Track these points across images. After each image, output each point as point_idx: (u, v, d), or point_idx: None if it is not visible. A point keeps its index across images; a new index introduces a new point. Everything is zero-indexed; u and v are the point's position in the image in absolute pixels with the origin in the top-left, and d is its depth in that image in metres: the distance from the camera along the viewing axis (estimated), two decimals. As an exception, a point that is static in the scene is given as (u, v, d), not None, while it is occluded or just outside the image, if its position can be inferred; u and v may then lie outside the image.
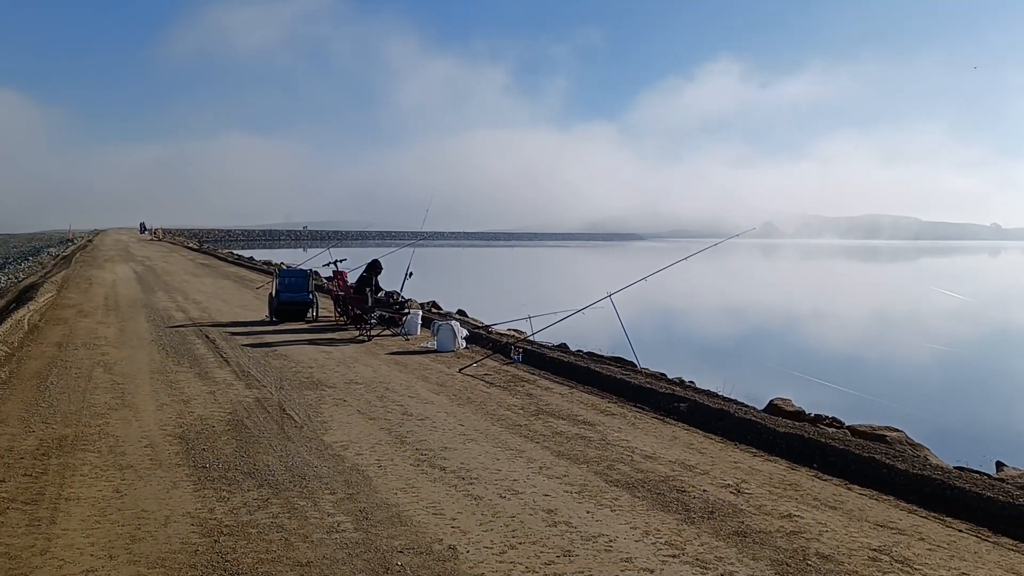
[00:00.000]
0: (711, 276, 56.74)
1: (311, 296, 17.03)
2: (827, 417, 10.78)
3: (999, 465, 8.90)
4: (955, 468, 8.33)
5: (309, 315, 16.97)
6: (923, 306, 38.80)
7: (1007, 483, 7.28)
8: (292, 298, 16.77)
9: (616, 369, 11.61)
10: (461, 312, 22.10)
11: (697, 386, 12.78)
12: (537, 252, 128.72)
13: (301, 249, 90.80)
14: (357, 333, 14.69)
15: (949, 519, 5.70)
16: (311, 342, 13.76)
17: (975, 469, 9.04)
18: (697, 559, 4.84)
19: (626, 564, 4.75)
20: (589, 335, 17.41)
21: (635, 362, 13.12)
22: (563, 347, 14.92)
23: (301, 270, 18.44)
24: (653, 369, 14.10)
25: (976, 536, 5.39)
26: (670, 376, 13.55)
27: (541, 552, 4.88)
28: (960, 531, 5.47)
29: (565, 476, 6.44)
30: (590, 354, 14.33)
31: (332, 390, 9.68)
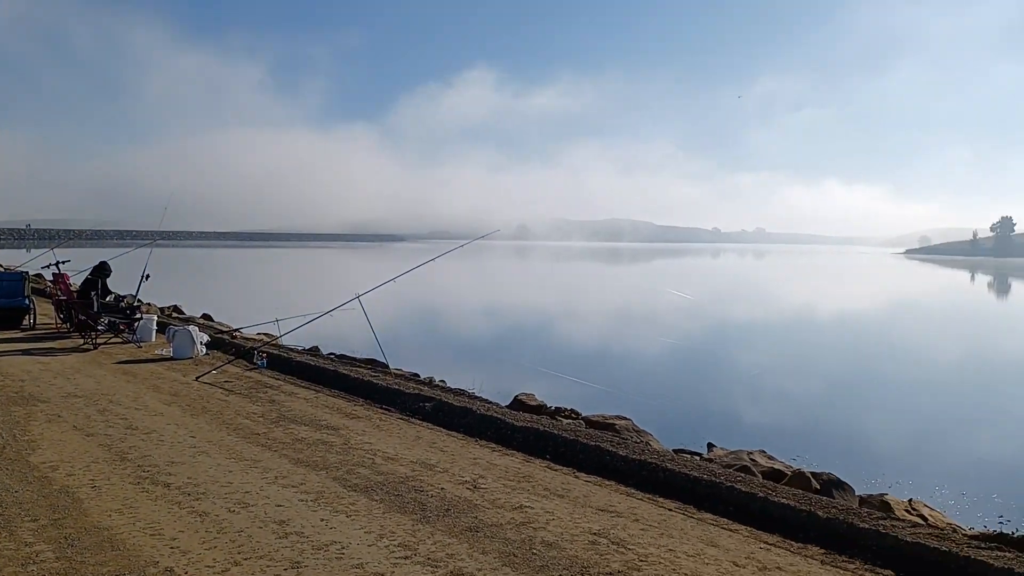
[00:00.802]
0: (470, 277, 58.13)
1: (27, 301, 15.30)
2: (566, 409, 11.38)
3: (710, 446, 9.84)
4: (673, 451, 9.12)
5: (25, 322, 15.24)
6: (657, 304, 42.29)
7: (714, 463, 8.08)
8: (5, 303, 15.02)
9: (366, 371, 11.50)
10: (206, 316, 20.94)
11: (448, 385, 12.99)
12: (296, 253, 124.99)
13: (24, 250, 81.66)
14: (81, 341, 13.40)
15: (662, 499, 6.20)
16: (26, 352, 12.34)
17: (692, 450, 9.98)
18: (429, 558, 4.88)
19: (357, 570, 4.68)
20: (348, 337, 17.16)
21: (387, 364, 13.07)
22: (315, 350, 14.55)
23: (16, 272, 16.58)
24: (408, 370, 14.15)
25: (683, 514, 5.90)
26: (423, 376, 13.67)
27: (268, 566, 4.68)
28: (670, 510, 5.96)
29: (302, 484, 6.24)
30: (342, 357, 14.10)
31: (46, 405, 8.72)
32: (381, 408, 9.29)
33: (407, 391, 9.73)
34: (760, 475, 7.77)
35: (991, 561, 4.90)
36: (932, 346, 27.63)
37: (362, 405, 9.44)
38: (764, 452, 8.91)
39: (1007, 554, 5.11)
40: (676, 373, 20.37)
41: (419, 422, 8.67)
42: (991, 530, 7.05)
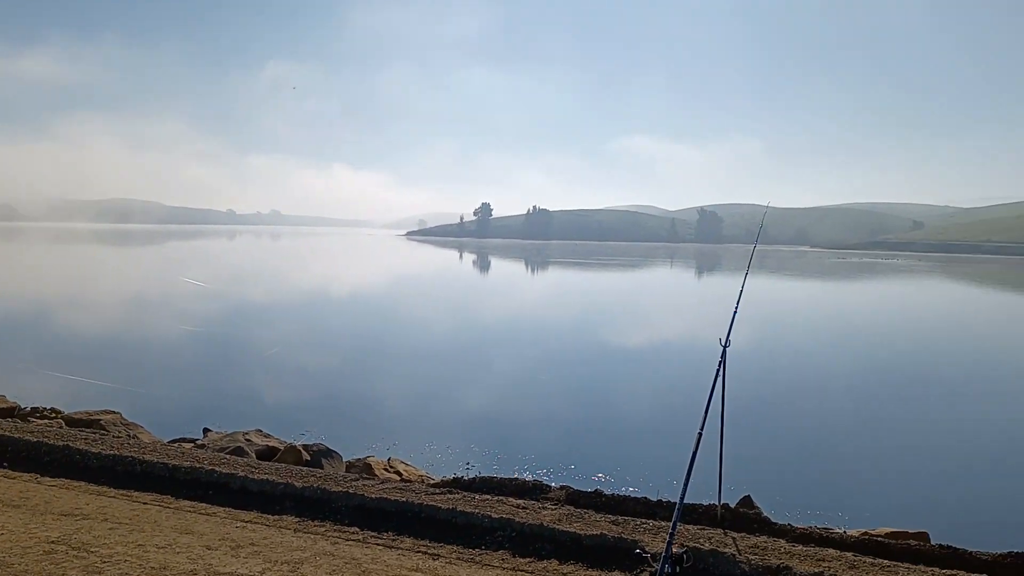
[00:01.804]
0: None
1: None
2: (46, 409, 10.21)
3: (206, 431, 9.63)
4: (169, 441, 8.75)
5: None
6: (169, 290, 40.00)
7: (207, 448, 7.93)
8: None
9: None
10: None
11: None
12: None
13: None
14: None
15: (138, 493, 5.88)
16: None
17: (190, 438, 9.66)
18: None
19: None
20: None
21: None
22: None
23: None
24: None
25: (160, 505, 5.67)
26: None
27: None
28: (145, 503, 5.68)
29: None
30: None
31: None
32: None
33: None
34: (255, 454, 7.83)
35: (441, 504, 5.60)
36: (429, 315, 30.56)
37: None
38: (260, 431, 8.99)
39: (456, 495, 5.90)
40: (184, 361, 19.48)
41: None
42: (452, 476, 8.06)
